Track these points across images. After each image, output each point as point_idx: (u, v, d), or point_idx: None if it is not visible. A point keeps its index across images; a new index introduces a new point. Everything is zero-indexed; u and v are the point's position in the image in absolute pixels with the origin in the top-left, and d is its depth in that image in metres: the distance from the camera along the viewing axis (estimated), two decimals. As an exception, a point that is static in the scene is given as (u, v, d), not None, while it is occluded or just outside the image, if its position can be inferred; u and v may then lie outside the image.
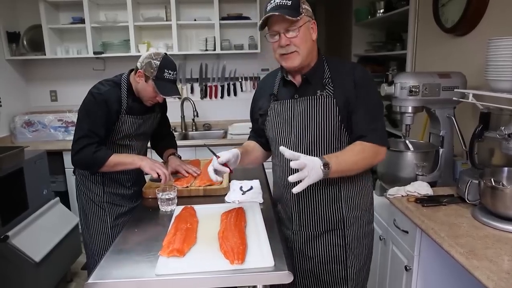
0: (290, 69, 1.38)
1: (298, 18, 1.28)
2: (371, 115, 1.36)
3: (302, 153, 1.36)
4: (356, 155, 1.32)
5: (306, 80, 1.39)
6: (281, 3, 1.27)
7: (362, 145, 1.33)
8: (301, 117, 1.38)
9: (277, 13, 1.25)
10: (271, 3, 1.29)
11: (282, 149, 1.21)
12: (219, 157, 1.31)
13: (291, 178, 1.18)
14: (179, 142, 3.05)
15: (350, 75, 1.37)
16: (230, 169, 1.34)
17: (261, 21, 1.31)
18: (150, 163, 1.74)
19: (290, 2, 1.27)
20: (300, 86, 1.41)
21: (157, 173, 1.70)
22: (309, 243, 1.46)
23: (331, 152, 1.36)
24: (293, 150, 1.37)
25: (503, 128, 1.44)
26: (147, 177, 1.91)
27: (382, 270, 1.99)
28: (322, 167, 1.19)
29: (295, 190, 1.19)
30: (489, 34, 1.91)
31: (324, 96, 1.36)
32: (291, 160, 1.20)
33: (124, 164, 1.75)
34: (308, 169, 1.17)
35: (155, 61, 1.70)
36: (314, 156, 1.26)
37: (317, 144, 1.37)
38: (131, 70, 1.81)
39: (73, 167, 1.85)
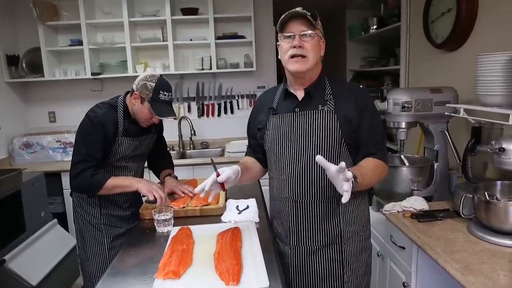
0: (296, 73, 1.39)
1: (315, 25, 1.34)
2: (379, 136, 1.44)
3: (302, 166, 1.39)
4: (373, 170, 1.37)
5: (308, 94, 1.42)
6: (301, 11, 1.33)
7: (376, 162, 1.39)
8: (302, 130, 1.40)
9: (300, 11, 1.31)
10: (290, 11, 1.34)
11: (319, 158, 1.19)
12: (219, 174, 1.32)
13: (346, 189, 1.13)
14: (176, 161, 3.04)
15: (351, 94, 1.43)
16: (224, 188, 1.35)
17: (281, 18, 1.35)
18: (147, 185, 1.74)
19: (309, 13, 1.34)
20: (302, 99, 1.43)
21: (154, 196, 1.71)
22: (306, 258, 1.45)
23: None
24: (294, 163, 1.41)
25: (493, 142, 1.46)
26: (143, 198, 1.91)
27: (380, 287, 1.98)
28: (353, 179, 1.18)
29: (344, 199, 1.13)
30: (478, 49, 1.95)
31: (325, 111, 1.39)
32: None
33: (122, 187, 1.76)
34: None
35: (150, 83, 1.72)
36: (315, 168, 1.34)
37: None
38: (127, 92, 1.84)
39: (69, 188, 1.86)
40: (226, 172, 1.33)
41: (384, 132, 1.48)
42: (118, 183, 1.75)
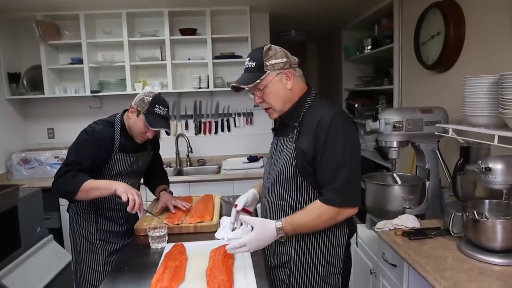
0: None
1: (256, 81, 1.34)
2: (333, 172, 1.30)
3: (266, 189, 1.48)
4: (312, 220, 1.32)
5: (282, 121, 1.47)
6: (247, 66, 1.40)
7: (321, 208, 1.31)
8: (275, 156, 1.48)
9: (235, 85, 1.40)
10: (231, 86, 1.44)
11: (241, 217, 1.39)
12: (236, 205, 1.46)
13: (230, 247, 1.33)
14: (173, 178, 3.07)
15: (314, 126, 1.33)
16: (249, 211, 1.48)
17: (230, 88, 1.46)
18: (126, 187, 1.67)
19: (254, 64, 1.37)
20: (279, 126, 1.51)
21: (128, 198, 1.63)
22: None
23: (288, 193, 1.40)
24: (263, 186, 1.52)
25: (480, 162, 1.49)
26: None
27: (374, 305, 1.98)
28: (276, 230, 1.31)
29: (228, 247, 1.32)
30: (467, 71, 2.01)
31: (287, 140, 1.42)
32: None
33: (100, 189, 1.67)
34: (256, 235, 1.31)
35: (147, 97, 1.78)
36: (273, 194, 1.43)
37: (277, 183, 1.43)
38: (125, 110, 1.88)
39: (66, 204, 1.87)
40: (241, 199, 1.54)
41: (346, 168, 1.29)
42: (96, 184, 1.68)
